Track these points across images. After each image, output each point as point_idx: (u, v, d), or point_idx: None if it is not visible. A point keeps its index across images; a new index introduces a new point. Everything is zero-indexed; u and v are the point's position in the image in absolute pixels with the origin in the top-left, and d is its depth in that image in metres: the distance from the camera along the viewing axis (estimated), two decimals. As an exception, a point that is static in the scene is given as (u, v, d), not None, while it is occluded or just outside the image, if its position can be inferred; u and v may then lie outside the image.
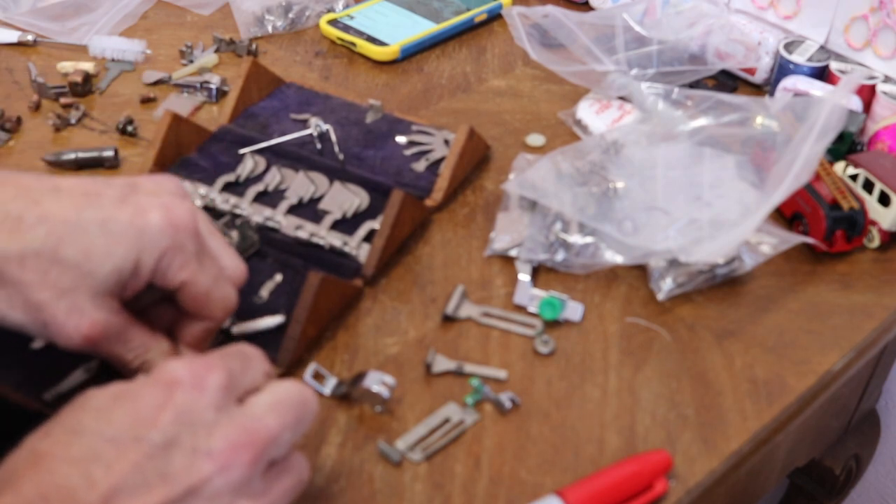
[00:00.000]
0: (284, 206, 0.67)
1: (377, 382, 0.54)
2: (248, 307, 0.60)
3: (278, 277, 0.62)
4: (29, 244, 0.45)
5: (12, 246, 0.45)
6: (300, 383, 0.44)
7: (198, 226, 0.49)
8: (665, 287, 0.63)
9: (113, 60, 0.87)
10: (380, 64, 0.89)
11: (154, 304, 0.52)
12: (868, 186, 0.69)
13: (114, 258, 0.46)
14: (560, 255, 0.65)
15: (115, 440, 0.39)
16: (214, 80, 0.82)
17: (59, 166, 0.74)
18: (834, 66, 0.80)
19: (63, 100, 0.81)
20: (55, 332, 0.46)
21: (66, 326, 0.46)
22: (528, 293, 0.63)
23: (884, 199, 0.68)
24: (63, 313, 0.45)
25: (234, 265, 0.52)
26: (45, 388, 0.54)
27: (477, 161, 0.75)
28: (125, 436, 0.39)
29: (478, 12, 0.95)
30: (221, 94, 0.83)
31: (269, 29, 0.93)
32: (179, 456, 0.39)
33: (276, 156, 0.72)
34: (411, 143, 0.75)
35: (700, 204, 0.66)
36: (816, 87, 0.77)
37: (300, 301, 0.57)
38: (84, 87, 0.82)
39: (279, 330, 0.58)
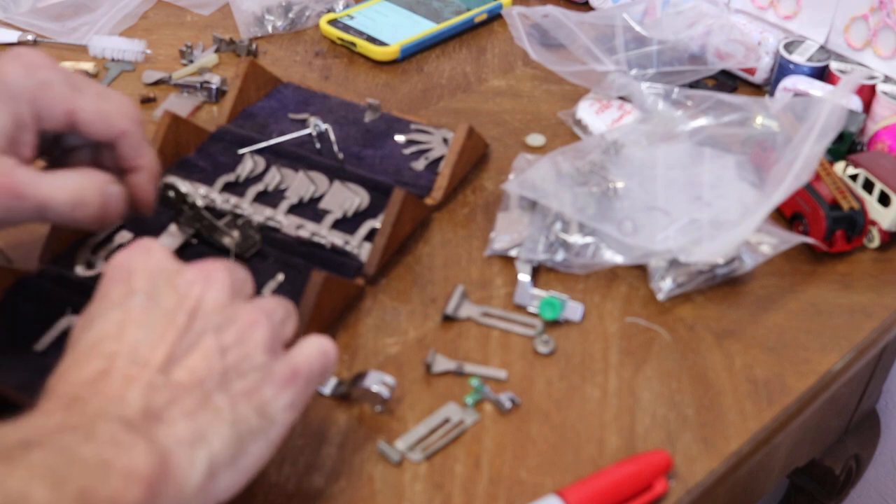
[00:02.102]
0: (285, 205, 0.67)
1: (377, 382, 0.54)
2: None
3: (280, 277, 0.62)
4: None
5: None
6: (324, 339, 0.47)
7: (53, 61, 0.51)
8: (665, 287, 0.63)
9: (113, 60, 0.87)
10: (380, 64, 0.89)
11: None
12: (868, 186, 0.69)
13: None
14: (560, 255, 0.65)
15: (110, 322, 0.42)
16: (214, 80, 0.82)
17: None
18: (834, 66, 0.80)
19: (63, 100, 0.81)
20: None
21: None
22: (528, 293, 0.63)
23: (884, 199, 0.68)
24: None
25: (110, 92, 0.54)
26: None
27: (476, 160, 0.75)
28: (115, 315, 0.43)
29: (478, 12, 0.95)
30: (221, 94, 0.83)
31: (269, 29, 0.93)
32: (165, 295, 0.43)
33: (276, 156, 0.72)
34: (410, 143, 0.75)
35: (700, 204, 0.66)
36: (816, 87, 0.77)
37: (303, 300, 0.57)
38: (84, 86, 0.82)
39: None
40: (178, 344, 0.41)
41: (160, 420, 0.39)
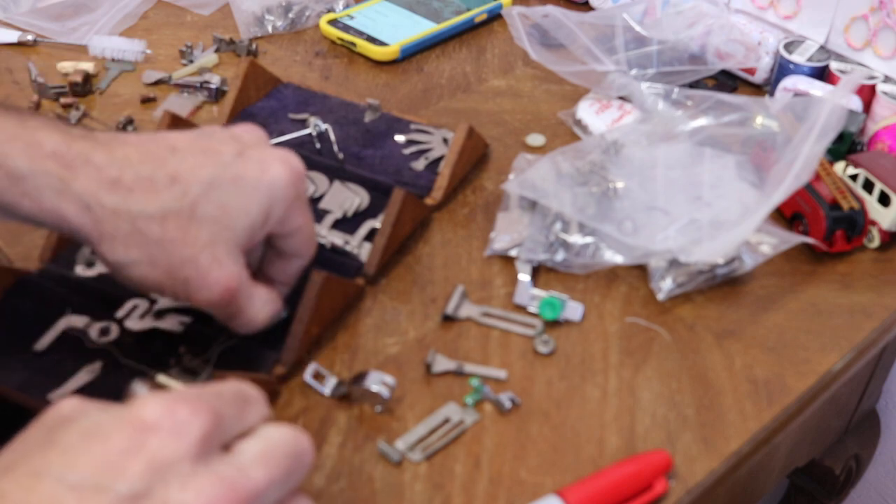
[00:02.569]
0: (284, 206, 0.67)
1: (377, 382, 0.54)
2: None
3: (278, 277, 0.62)
4: (167, 204, 0.48)
5: (151, 206, 0.48)
6: (298, 431, 0.39)
7: (304, 172, 0.53)
8: (665, 287, 0.63)
9: (113, 60, 0.87)
10: (380, 64, 0.89)
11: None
12: (868, 186, 0.69)
13: (249, 213, 0.50)
14: (560, 255, 0.65)
15: (79, 488, 0.34)
16: (214, 80, 0.82)
17: (59, 166, 0.74)
18: (834, 66, 0.80)
19: (63, 100, 0.81)
20: (196, 287, 0.49)
21: (207, 279, 0.49)
22: (528, 293, 0.63)
23: (884, 199, 0.68)
24: (205, 266, 0.49)
25: None
26: (50, 390, 0.54)
27: (476, 159, 0.75)
28: (89, 484, 0.34)
29: (478, 12, 0.95)
30: (221, 94, 0.83)
31: (269, 29, 0.93)
32: None
33: (276, 156, 0.72)
34: (410, 143, 0.75)
35: (700, 204, 0.66)
36: (816, 87, 0.77)
37: (303, 300, 0.57)
38: (84, 87, 0.82)
39: (282, 329, 0.58)
40: None
41: None
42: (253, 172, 0.50)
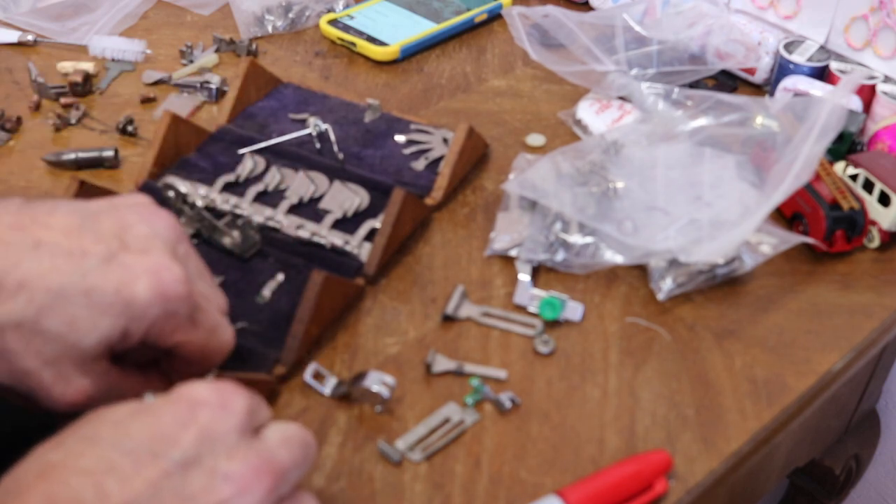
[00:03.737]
0: (285, 205, 0.67)
1: (377, 382, 0.54)
2: (250, 307, 0.60)
3: (280, 277, 0.62)
4: (10, 314, 0.43)
5: None
6: (302, 426, 0.42)
7: (190, 289, 0.46)
8: (665, 287, 0.63)
9: (113, 60, 0.87)
10: (380, 64, 0.89)
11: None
12: (868, 186, 0.69)
13: (99, 329, 0.44)
14: (560, 255, 0.65)
15: (133, 453, 0.37)
16: (214, 80, 0.83)
17: (60, 166, 0.74)
18: (834, 66, 0.80)
19: (63, 100, 0.81)
20: (42, 398, 0.45)
21: (52, 394, 0.44)
22: (528, 293, 0.63)
23: (884, 199, 0.68)
24: (48, 382, 0.44)
25: (220, 301, 0.51)
26: None
27: (476, 159, 0.75)
28: (144, 450, 0.37)
29: (478, 12, 0.95)
30: (221, 94, 0.83)
31: (269, 29, 0.93)
32: (198, 476, 0.37)
33: (276, 156, 0.72)
34: (410, 142, 0.75)
35: (700, 204, 0.66)
36: (816, 87, 0.77)
37: (303, 300, 0.57)
38: (84, 87, 0.82)
39: (282, 328, 0.58)
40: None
41: None
42: (111, 285, 0.44)
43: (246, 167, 0.71)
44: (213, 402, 0.39)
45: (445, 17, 0.94)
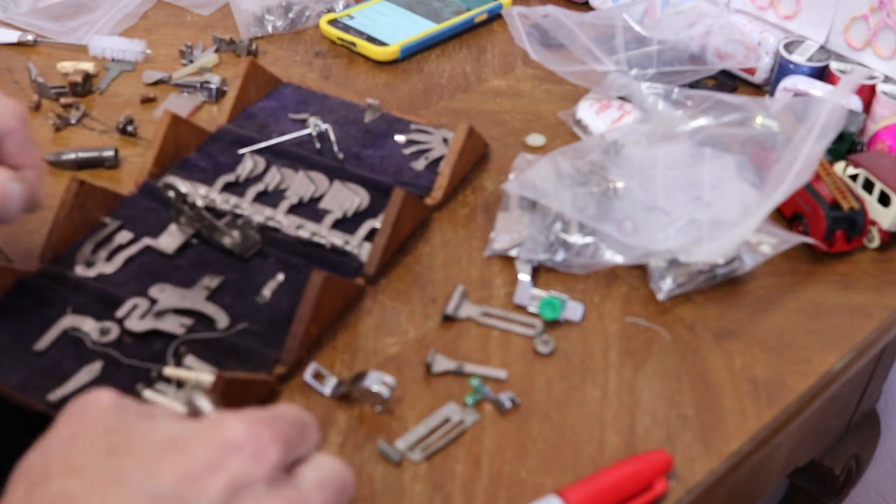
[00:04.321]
0: (285, 205, 0.67)
1: (377, 382, 0.54)
2: (250, 307, 0.60)
3: (280, 277, 0.62)
4: None
5: None
6: (345, 463, 0.40)
7: None
8: (665, 287, 0.63)
9: (113, 60, 0.87)
10: (380, 64, 0.89)
11: None
12: (868, 186, 0.69)
13: None
14: (560, 255, 0.65)
15: (160, 498, 0.35)
16: (214, 80, 0.82)
17: (60, 166, 0.74)
18: (834, 66, 0.80)
19: (63, 100, 0.81)
20: None
21: None
22: (528, 293, 0.63)
23: (884, 199, 0.68)
24: None
25: None
26: (50, 390, 0.54)
27: (476, 159, 0.75)
28: (171, 494, 0.35)
29: (478, 12, 0.95)
30: (221, 94, 0.83)
31: (269, 29, 0.93)
32: None
33: (276, 156, 0.72)
34: (410, 143, 0.75)
35: (700, 204, 0.66)
36: (816, 87, 0.77)
37: (303, 300, 0.57)
38: (84, 87, 0.82)
39: (282, 329, 0.58)
40: None
41: None
42: None
43: (246, 167, 0.71)
44: (247, 450, 0.37)
45: (445, 17, 0.94)
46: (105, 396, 0.39)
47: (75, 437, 0.37)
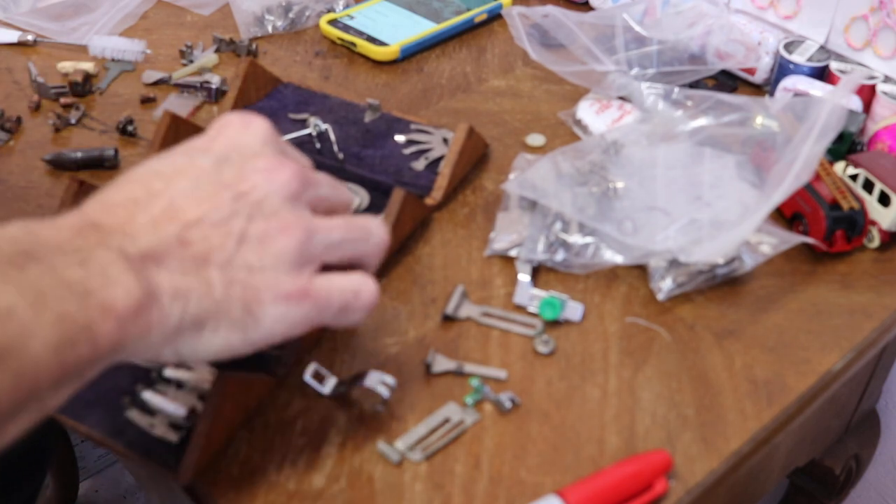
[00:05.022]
0: (284, 206, 0.67)
1: (377, 382, 0.54)
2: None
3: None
4: None
5: None
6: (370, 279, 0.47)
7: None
8: (665, 287, 0.63)
9: (113, 60, 0.87)
10: (380, 64, 0.89)
11: None
12: (868, 186, 0.69)
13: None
14: (560, 255, 0.65)
15: (174, 164, 0.44)
16: (214, 80, 0.82)
17: (60, 166, 0.74)
18: (834, 66, 0.80)
19: (63, 100, 0.81)
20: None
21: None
22: (528, 293, 0.63)
23: (884, 199, 0.68)
24: None
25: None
26: None
27: (476, 159, 0.75)
28: (182, 160, 0.44)
29: (478, 12, 0.95)
30: (221, 94, 0.83)
31: (269, 29, 0.93)
32: (230, 169, 0.44)
33: (276, 156, 0.72)
34: (410, 143, 0.75)
35: (700, 204, 0.66)
36: (816, 87, 0.77)
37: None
38: (84, 87, 0.82)
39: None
40: (210, 214, 0.43)
41: (158, 265, 0.41)
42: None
43: (246, 167, 0.71)
44: (236, 122, 0.47)
45: (445, 17, 0.94)
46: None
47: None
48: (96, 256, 0.38)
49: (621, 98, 0.80)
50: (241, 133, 0.47)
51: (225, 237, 0.43)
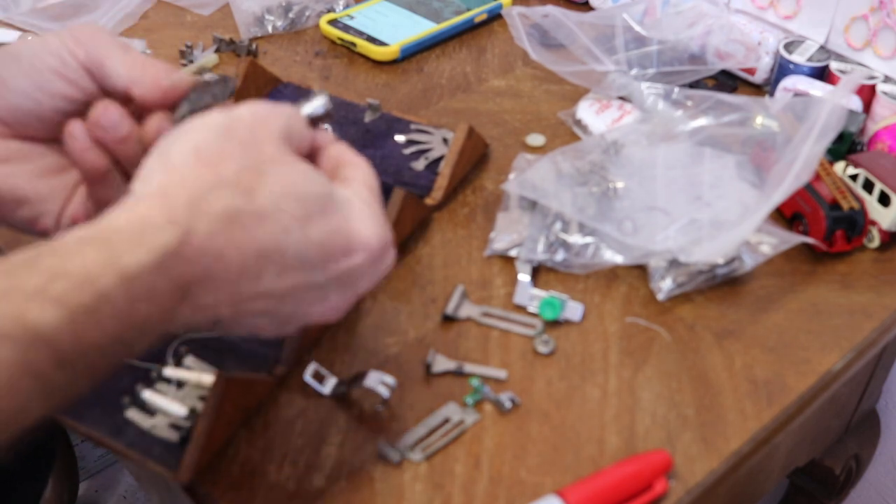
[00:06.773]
0: (284, 206, 0.67)
1: (377, 382, 0.54)
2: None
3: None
4: None
5: None
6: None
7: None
8: (665, 287, 0.63)
9: (113, 60, 0.87)
10: (380, 64, 0.89)
11: None
12: (868, 186, 0.69)
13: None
14: (560, 255, 0.65)
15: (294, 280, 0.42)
16: (214, 80, 0.82)
17: (59, 166, 0.74)
18: (834, 66, 0.80)
19: (63, 100, 0.81)
20: None
21: None
22: (528, 293, 0.63)
23: (884, 199, 0.68)
24: None
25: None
26: None
27: (476, 159, 0.75)
28: (299, 277, 0.42)
29: (478, 12, 0.95)
30: (221, 94, 0.83)
31: (269, 29, 0.93)
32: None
33: (276, 156, 0.72)
34: (410, 143, 0.75)
35: (700, 204, 0.66)
36: (816, 87, 0.77)
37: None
38: (84, 86, 0.82)
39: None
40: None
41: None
42: None
43: (246, 167, 0.71)
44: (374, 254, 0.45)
45: (445, 17, 0.94)
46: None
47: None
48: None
49: (621, 98, 0.80)
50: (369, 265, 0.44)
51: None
